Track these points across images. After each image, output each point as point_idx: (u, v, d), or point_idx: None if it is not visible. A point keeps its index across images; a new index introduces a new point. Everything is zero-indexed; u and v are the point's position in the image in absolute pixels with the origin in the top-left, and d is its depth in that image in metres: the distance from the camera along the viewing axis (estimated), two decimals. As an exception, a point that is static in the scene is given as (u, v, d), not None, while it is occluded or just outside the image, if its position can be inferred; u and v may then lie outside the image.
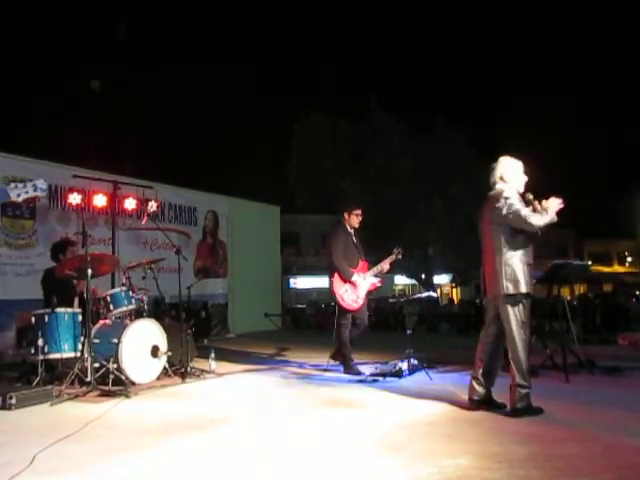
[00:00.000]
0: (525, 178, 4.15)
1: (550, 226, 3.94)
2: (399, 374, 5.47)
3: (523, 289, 3.85)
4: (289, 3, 44.49)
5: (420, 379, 5.34)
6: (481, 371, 4.02)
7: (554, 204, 3.94)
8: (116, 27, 23.09)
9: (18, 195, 2.46)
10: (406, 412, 4.04)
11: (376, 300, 15.82)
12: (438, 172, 18.56)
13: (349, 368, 5.85)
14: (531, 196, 4.07)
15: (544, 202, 4.01)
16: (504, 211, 3.93)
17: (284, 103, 33.19)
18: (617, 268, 38.31)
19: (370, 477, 2.76)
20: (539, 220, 3.87)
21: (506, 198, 3.96)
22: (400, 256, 6.25)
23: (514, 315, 3.86)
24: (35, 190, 2.50)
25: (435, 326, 14.44)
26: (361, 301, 5.95)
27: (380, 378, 5.41)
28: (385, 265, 6.14)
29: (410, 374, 5.53)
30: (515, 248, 3.92)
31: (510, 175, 4.11)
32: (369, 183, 19.36)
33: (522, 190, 4.12)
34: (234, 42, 43.15)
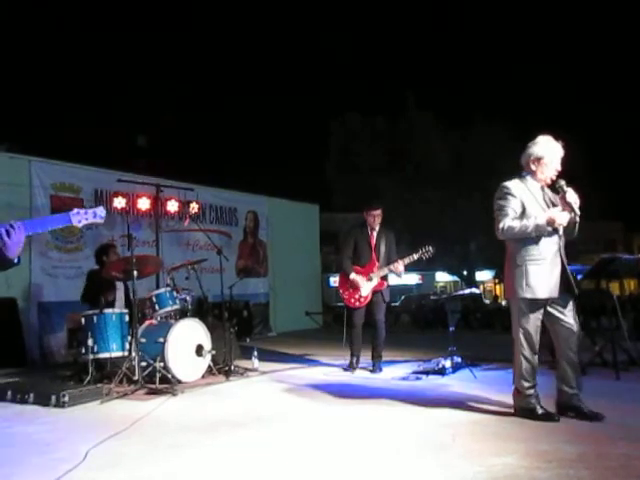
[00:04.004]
0: (559, 164, 3.61)
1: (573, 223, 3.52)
2: (442, 372, 5.42)
3: (524, 294, 3.56)
4: (324, 2, 44.57)
5: (464, 377, 5.28)
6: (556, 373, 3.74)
7: (572, 198, 3.45)
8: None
9: (79, 221, 2.63)
10: (450, 410, 3.99)
11: (418, 297, 15.62)
12: (477, 167, 18.24)
13: (351, 364, 5.99)
14: (563, 182, 3.53)
15: (570, 192, 3.48)
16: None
17: (321, 102, 33.33)
18: (669, 261, 36.74)
19: (414, 476, 2.74)
20: (513, 224, 3.51)
21: (501, 196, 3.63)
22: (429, 255, 5.88)
23: (514, 318, 3.68)
24: (95, 217, 2.70)
25: (488, 323, 14.05)
26: (364, 300, 5.85)
27: (423, 376, 5.37)
28: (399, 265, 5.79)
29: (454, 372, 5.48)
30: (522, 248, 3.58)
31: (548, 160, 3.59)
32: (407, 180, 19.21)
33: (554, 177, 3.63)
34: (271, 43, 43.52)
